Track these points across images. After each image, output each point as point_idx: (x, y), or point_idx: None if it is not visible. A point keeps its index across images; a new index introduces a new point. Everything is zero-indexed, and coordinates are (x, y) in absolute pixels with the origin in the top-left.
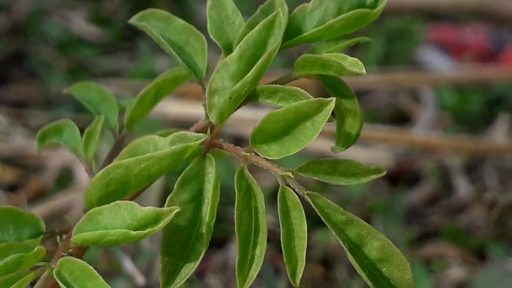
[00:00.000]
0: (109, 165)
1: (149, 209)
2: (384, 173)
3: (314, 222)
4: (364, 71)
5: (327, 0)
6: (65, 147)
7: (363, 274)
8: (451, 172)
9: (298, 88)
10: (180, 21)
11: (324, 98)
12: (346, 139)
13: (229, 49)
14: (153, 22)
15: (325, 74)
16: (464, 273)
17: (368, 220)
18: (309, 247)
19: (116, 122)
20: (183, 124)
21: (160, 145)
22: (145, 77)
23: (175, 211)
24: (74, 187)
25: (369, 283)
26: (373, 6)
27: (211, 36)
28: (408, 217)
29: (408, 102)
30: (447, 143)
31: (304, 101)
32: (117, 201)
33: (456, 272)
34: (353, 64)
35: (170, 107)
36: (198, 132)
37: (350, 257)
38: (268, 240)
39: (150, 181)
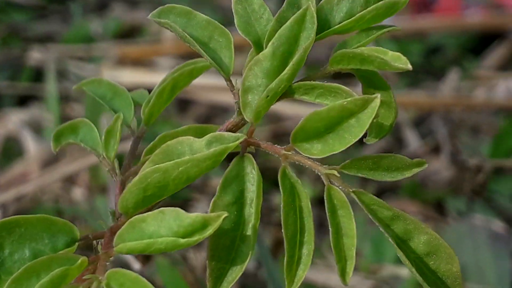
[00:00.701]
0: (147, 170)
1: (196, 216)
2: (426, 165)
3: (272, 184)
4: (409, 66)
5: None
6: (84, 147)
7: (411, 269)
8: (402, 127)
9: (339, 85)
10: (202, 16)
11: (369, 95)
12: (379, 130)
13: (258, 45)
14: (173, 18)
15: (365, 68)
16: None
17: None
18: (271, 210)
19: (133, 118)
20: (177, 105)
21: (196, 147)
22: (80, 41)
23: (223, 216)
24: (22, 158)
25: (417, 277)
26: None
27: (239, 31)
28: None
29: None
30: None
31: (349, 99)
32: (162, 208)
33: None
34: (396, 58)
35: (124, 76)
36: (230, 129)
37: (398, 252)
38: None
39: (188, 183)
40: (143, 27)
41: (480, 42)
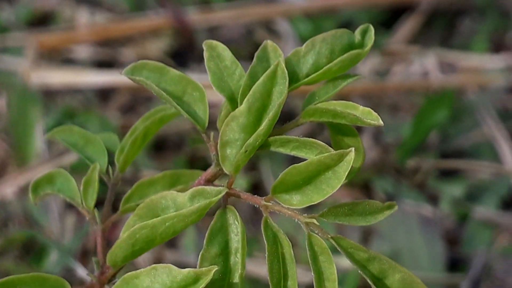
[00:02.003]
0: (135, 227)
1: (188, 271)
2: (396, 208)
3: None
4: (381, 122)
5: (319, 43)
6: (62, 197)
7: None
8: None
9: (313, 139)
10: (175, 72)
11: (344, 150)
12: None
13: (232, 100)
14: (146, 73)
15: (336, 122)
16: None
17: (256, 164)
18: None
19: (107, 166)
20: (68, 92)
21: (180, 201)
22: None
23: (213, 270)
24: None
25: None
26: (361, 44)
27: (214, 88)
28: (291, 158)
29: (266, 36)
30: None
31: (326, 154)
32: (154, 265)
33: None
34: (366, 114)
35: (53, 77)
36: (208, 179)
37: None
38: None
39: (174, 236)
40: (55, 13)
41: (391, 16)
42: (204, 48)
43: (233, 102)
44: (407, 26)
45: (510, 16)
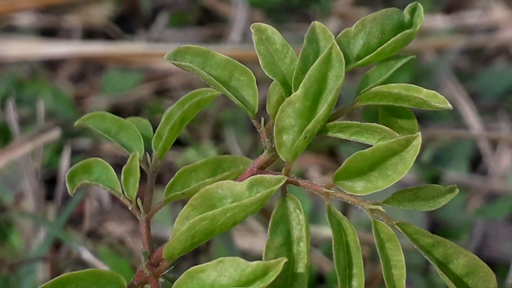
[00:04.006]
0: (195, 219)
1: (257, 264)
2: (457, 191)
3: None
4: (449, 105)
5: (369, 23)
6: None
7: (451, 286)
8: None
9: (377, 124)
10: (221, 56)
11: (411, 135)
12: None
13: (285, 85)
14: (189, 58)
15: (398, 105)
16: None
17: (218, 132)
18: None
19: (143, 152)
20: (12, 63)
21: (238, 190)
22: None
23: (283, 262)
24: None
25: None
26: (410, 22)
27: (265, 72)
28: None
29: (216, 2)
30: None
31: (393, 139)
32: (221, 258)
33: (315, 177)
34: (432, 96)
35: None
36: (261, 166)
37: (439, 274)
38: None
39: (233, 226)
40: None
41: None
42: (253, 31)
43: (286, 87)
44: None
45: None
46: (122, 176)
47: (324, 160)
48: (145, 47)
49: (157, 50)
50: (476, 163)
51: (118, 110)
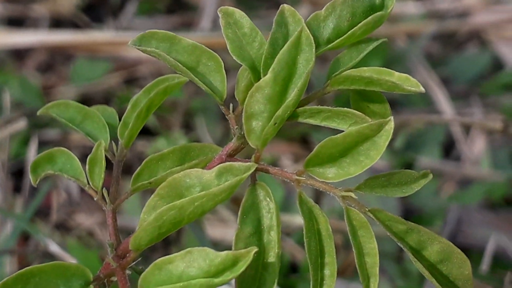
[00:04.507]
0: (162, 209)
1: (227, 254)
2: (431, 176)
3: None
4: (422, 89)
5: (339, 6)
6: (65, 177)
7: (425, 274)
8: None
9: (348, 109)
10: (187, 41)
11: (383, 119)
12: None
13: (254, 69)
14: (155, 43)
15: (370, 89)
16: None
17: (189, 121)
18: None
19: (109, 141)
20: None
21: (206, 179)
22: None
23: (253, 252)
24: None
25: (431, 281)
26: (381, 5)
27: (233, 57)
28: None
29: None
30: None
31: (365, 124)
32: (189, 249)
33: (287, 165)
34: (404, 80)
35: None
36: (230, 154)
37: (412, 260)
38: None
39: (201, 216)
40: None
41: None
42: (220, 15)
43: (255, 72)
44: None
45: None
46: (87, 166)
47: (296, 148)
48: (114, 36)
49: (125, 38)
50: (449, 149)
51: (87, 100)
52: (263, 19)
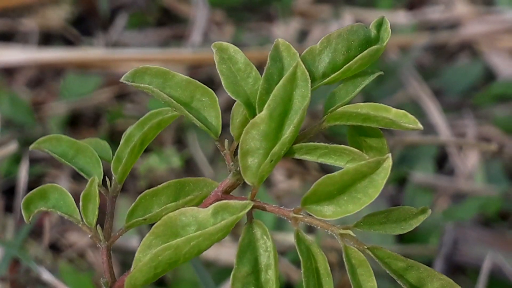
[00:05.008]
0: (158, 249)
1: None
2: (430, 212)
3: None
4: (420, 125)
5: (334, 39)
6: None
7: None
8: None
9: (344, 146)
10: (181, 76)
11: (381, 157)
12: None
13: (249, 105)
14: (148, 79)
15: (367, 125)
16: (295, 182)
17: (181, 137)
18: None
19: (102, 177)
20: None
21: (202, 217)
22: None
23: None
24: None
25: None
26: (377, 38)
27: (228, 93)
28: None
29: (175, 2)
30: None
31: (363, 162)
32: None
33: (280, 180)
34: (401, 116)
35: None
36: (226, 191)
37: None
38: None
39: (197, 255)
40: None
41: None
42: (214, 50)
43: (250, 108)
44: None
45: None
46: (80, 203)
47: (290, 164)
48: (104, 53)
49: (116, 54)
50: (442, 163)
51: (77, 115)
52: (254, 31)
